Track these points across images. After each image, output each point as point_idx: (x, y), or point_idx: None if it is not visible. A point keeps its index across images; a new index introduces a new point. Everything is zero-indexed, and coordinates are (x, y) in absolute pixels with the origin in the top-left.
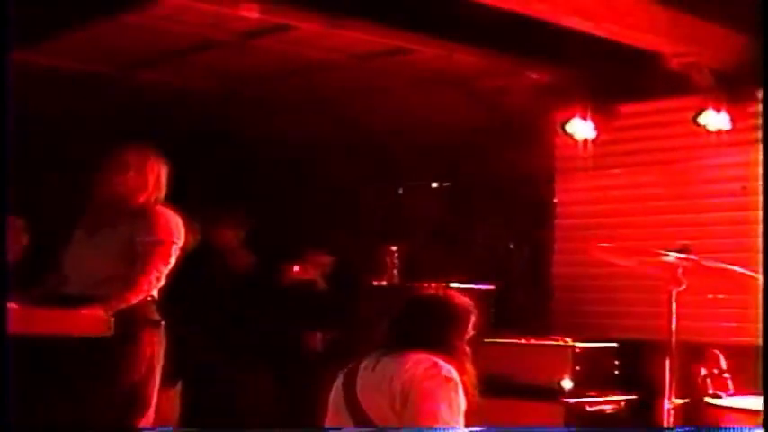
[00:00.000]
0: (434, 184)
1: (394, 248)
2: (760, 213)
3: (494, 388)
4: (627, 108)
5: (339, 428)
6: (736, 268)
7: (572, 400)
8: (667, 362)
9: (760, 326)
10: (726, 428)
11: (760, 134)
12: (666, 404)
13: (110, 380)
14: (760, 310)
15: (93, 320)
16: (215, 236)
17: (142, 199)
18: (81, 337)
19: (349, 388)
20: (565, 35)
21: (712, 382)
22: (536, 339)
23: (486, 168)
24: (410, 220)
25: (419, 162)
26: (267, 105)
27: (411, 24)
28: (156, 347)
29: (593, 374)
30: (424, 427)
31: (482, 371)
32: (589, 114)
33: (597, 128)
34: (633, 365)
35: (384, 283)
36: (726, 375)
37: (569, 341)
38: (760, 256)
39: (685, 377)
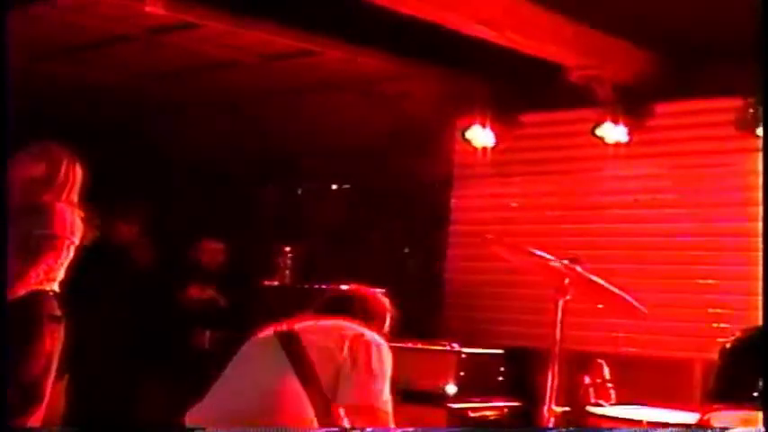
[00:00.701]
0: (334, 186)
1: (287, 249)
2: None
3: None
4: (527, 117)
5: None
6: (613, 288)
7: (456, 406)
8: (550, 370)
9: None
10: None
11: (656, 148)
12: (546, 411)
13: (7, 374)
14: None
15: None
16: (114, 230)
17: (48, 196)
18: None
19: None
20: (469, 43)
21: (595, 391)
22: (423, 344)
23: (386, 172)
24: (308, 221)
25: (319, 164)
26: (171, 102)
27: (317, 26)
28: (55, 342)
29: (478, 380)
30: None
31: None
32: (489, 122)
33: (497, 136)
34: (519, 373)
35: (276, 283)
36: (609, 385)
37: (456, 347)
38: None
39: (570, 386)
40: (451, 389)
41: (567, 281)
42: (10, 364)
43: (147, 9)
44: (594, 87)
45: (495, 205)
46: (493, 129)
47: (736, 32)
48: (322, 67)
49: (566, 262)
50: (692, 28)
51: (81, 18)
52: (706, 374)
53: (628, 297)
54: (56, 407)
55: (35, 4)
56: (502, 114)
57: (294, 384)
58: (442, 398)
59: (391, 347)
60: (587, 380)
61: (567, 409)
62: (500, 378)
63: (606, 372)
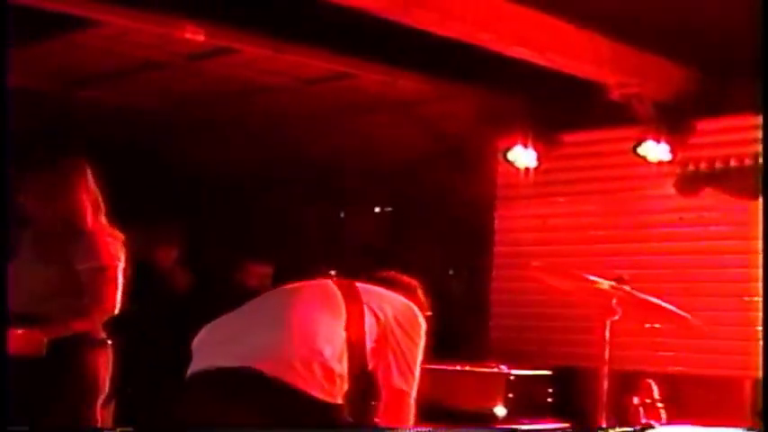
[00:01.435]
0: (377, 209)
1: (333, 272)
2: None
3: (428, 413)
4: (569, 137)
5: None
6: (664, 304)
7: (505, 428)
8: (599, 391)
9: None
10: None
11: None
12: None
13: (52, 399)
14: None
15: (26, 340)
16: (152, 255)
17: (81, 221)
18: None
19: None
20: (509, 63)
21: (645, 411)
22: (471, 366)
23: (428, 194)
24: (351, 243)
25: (362, 186)
26: (211, 126)
27: (356, 49)
28: (103, 367)
29: (526, 402)
30: None
31: (417, 396)
32: (531, 142)
33: (539, 156)
34: (567, 393)
35: None
36: (659, 405)
37: (504, 368)
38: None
39: (618, 406)
40: (500, 411)
41: (614, 301)
42: (57, 390)
43: (188, 36)
44: (635, 105)
45: (538, 226)
46: (534, 149)
47: None
48: (361, 90)
49: (612, 283)
50: (730, 43)
51: (120, 45)
52: (755, 392)
53: (677, 310)
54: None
55: (75, 31)
56: (543, 134)
57: (339, 331)
58: (492, 420)
59: (441, 370)
60: (636, 400)
61: (618, 429)
62: (548, 399)
63: (655, 391)
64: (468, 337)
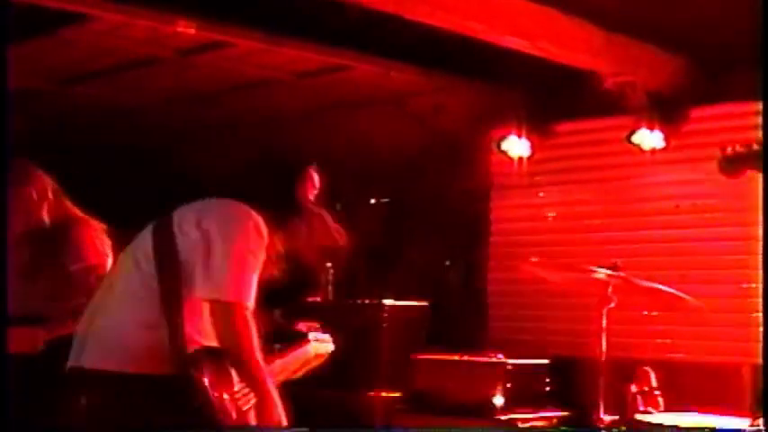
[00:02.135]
0: (372, 201)
1: (329, 265)
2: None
3: (426, 404)
4: (562, 126)
5: None
6: (663, 287)
7: (504, 417)
8: (597, 379)
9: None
10: None
11: (693, 153)
12: (597, 420)
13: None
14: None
15: (23, 339)
16: None
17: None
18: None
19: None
20: (501, 54)
21: (643, 399)
22: (468, 356)
23: (423, 185)
24: (347, 236)
25: (357, 178)
26: (205, 121)
27: (348, 42)
28: None
29: (525, 391)
30: None
31: (415, 387)
32: (524, 132)
33: (533, 146)
34: (565, 382)
35: (318, 299)
36: (656, 392)
37: (501, 358)
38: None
39: (616, 394)
40: (499, 400)
41: (610, 289)
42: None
43: (179, 30)
44: (628, 94)
45: (533, 215)
46: (528, 139)
47: None
48: (355, 83)
49: (608, 271)
50: (724, 32)
51: (112, 40)
52: (754, 379)
53: (675, 291)
54: None
55: (66, 27)
56: (536, 124)
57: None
58: (490, 410)
59: (439, 361)
60: (634, 388)
61: (616, 417)
62: (547, 388)
63: (653, 379)
64: (465, 327)
